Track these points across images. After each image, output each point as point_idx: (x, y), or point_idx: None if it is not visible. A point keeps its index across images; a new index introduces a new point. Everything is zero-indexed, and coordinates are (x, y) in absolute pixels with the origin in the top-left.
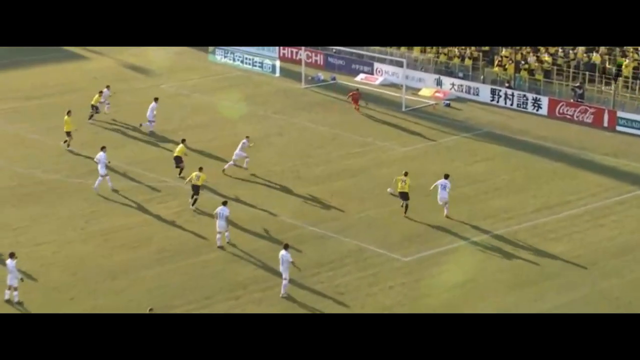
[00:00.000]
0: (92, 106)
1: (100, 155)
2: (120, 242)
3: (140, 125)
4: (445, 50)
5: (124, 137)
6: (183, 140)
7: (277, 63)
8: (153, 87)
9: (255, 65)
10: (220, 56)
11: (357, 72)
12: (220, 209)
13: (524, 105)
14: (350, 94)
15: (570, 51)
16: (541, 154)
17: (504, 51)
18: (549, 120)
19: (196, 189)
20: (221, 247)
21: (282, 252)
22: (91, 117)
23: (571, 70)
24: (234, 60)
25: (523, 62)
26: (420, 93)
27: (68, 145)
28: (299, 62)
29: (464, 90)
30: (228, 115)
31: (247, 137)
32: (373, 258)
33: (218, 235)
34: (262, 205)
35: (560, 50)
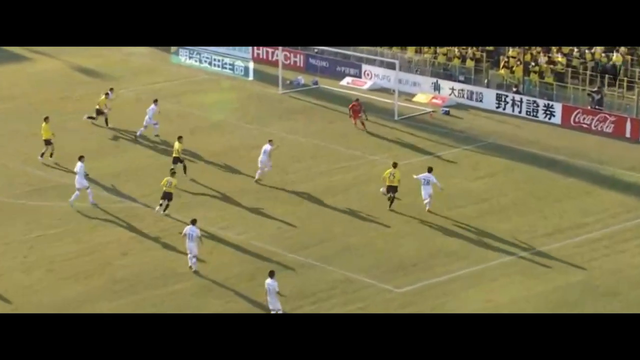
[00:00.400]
0: (97, 110)
1: (78, 165)
2: (69, 272)
3: (157, 135)
4: (444, 50)
5: (77, 150)
6: (179, 138)
7: (251, 65)
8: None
9: (226, 68)
10: (185, 57)
11: (342, 76)
12: (188, 228)
13: (534, 113)
14: (350, 105)
15: (587, 51)
16: (554, 168)
17: (511, 51)
18: (563, 130)
19: (168, 196)
20: (196, 272)
21: (268, 280)
22: (92, 118)
23: (588, 72)
24: (200, 62)
25: (533, 64)
26: (415, 99)
27: (51, 156)
28: (275, 63)
29: (465, 95)
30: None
31: (269, 140)
32: (362, 290)
33: (189, 255)
34: (234, 228)
35: (575, 50)
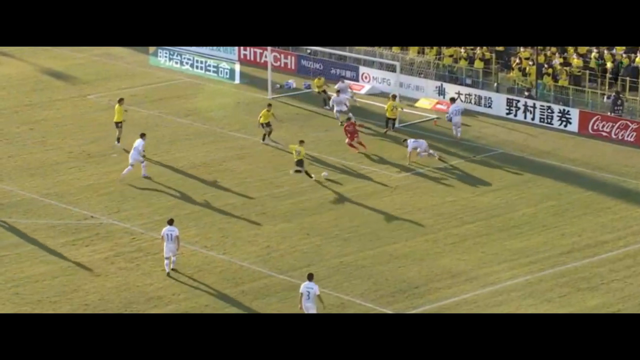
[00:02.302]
0: (322, 92)
1: (139, 142)
2: (35, 297)
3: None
4: (450, 51)
5: (46, 163)
6: (269, 105)
7: (237, 67)
8: (77, 99)
9: (209, 70)
10: (164, 59)
11: (337, 79)
12: (166, 229)
13: (549, 120)
14: (344, 127)
15: (606, 51)
16: (571, 181)
17: (523, 52)
18: (580, 138)
19: (299, 164)
20: (169, 274)
21: (307, 283)
22: (325, 102)
23: (607, 75)
24: (181, 63)
25: (546, 66)
26: (418, 105)
27: (118, 141)
28: (264, 65)
29: (472, 101)
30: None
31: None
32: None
33: (166, 261)
34: (218, 247)
35: (594, 50)
